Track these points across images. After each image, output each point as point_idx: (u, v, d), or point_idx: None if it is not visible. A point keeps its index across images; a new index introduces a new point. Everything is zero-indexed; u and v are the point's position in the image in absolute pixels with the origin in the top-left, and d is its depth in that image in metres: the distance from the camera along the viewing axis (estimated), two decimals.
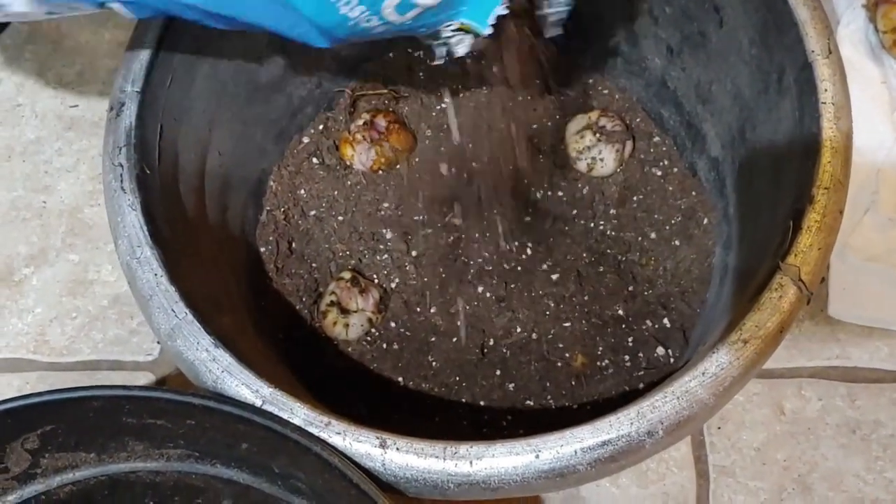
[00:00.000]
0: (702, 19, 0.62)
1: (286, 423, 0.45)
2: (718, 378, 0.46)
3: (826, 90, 0.51)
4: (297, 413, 0.46)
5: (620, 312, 0.66)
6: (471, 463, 0.44)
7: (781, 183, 0.53)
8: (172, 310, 0.49)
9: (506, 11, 0.47)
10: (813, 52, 0.52)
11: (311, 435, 0.45)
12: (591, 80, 0.74)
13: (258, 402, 0.46)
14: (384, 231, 0.69)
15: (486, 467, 0.44)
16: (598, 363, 0.64)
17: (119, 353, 0.74)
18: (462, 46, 0.49)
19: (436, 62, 0.51)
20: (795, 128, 0.53)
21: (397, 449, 0.45)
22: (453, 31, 0.47)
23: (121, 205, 0.52)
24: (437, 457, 0.45)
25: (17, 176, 0.81)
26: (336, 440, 0.45)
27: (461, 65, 0.56)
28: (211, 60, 0.61)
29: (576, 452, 0.44)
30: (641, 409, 0.45)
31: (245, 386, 0.47)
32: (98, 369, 0.73)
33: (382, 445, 0.45)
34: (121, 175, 0.52)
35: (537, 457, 0.44)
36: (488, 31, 0.47)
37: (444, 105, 0.72)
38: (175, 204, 0.57)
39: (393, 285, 0.67)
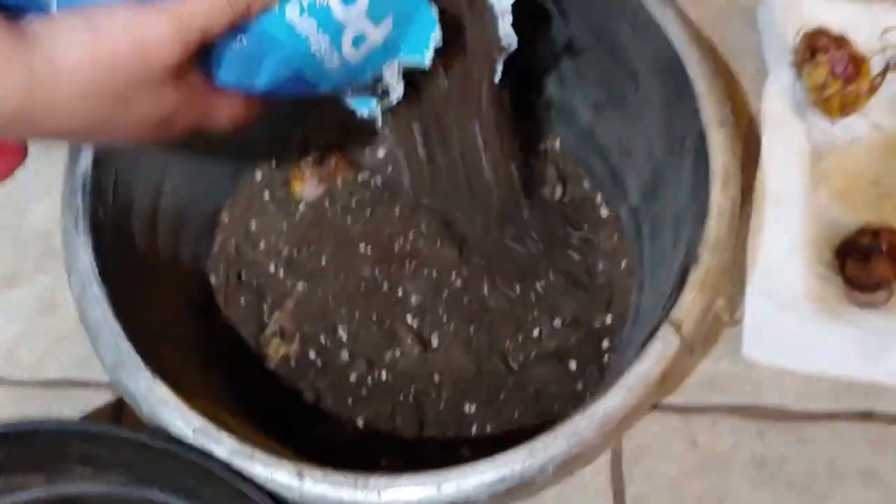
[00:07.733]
0: (620, 83, 0.66)
1: (210, 457, 0.49)
2: (605, 420, 0.50)
3: (717, 159, 0.55)
4: (225, 443, 0.50)
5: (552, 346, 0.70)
6: (378, 493, 0.49)
7: (679, 240, 0.58)
8: (117, 345, 0.54)
9: (441, 41, 0.47)
10: (708, 122, 0.56)
11: (231, 469, 0.49)
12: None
13: (189, 432, 0.51)
14: (330, 262, 0.73)
15: (392, 499, 0.49)
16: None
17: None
18: (395, 93, 0.50)
19: (365, 117, 0.54)
20: (692, 189, 0.57)
21: (313, 480, 0.50)
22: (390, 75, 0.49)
23: (74, 246, 0.56)
24: (350, 486, 0.49)
25: None
26: (259, 471, 0.50)
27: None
28: None
29: (474, 487, 0.49)
30: (533, 448, 0.50)
31: (179, 417, 0.52)
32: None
33: (300, 476, 0.50)
34: (76, 218, 0.57)
35: (438, 489, 0.49)
36: (429, 61, 0.47)
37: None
38: (127, 243, 0.61)
39: (338, 312, 0.71)
